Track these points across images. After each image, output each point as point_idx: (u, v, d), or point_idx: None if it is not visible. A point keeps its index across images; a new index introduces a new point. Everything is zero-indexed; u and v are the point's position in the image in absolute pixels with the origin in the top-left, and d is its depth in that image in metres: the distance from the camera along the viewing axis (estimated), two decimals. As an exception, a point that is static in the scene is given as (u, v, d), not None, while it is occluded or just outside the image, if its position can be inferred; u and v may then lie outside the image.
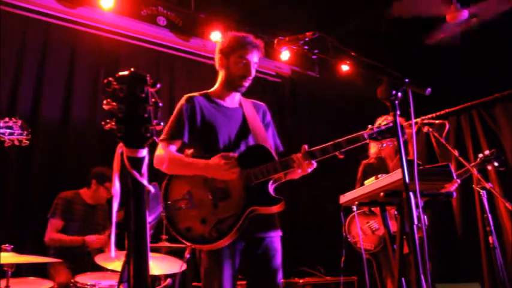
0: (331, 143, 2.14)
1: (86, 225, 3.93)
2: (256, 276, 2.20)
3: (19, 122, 2.52)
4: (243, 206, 2.11)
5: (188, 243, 2.16)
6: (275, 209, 2.13)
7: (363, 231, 3.60)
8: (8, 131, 2.46)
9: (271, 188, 2.17)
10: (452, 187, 3.34)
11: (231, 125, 2.34)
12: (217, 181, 2.17)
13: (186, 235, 2.13)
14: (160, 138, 2.27)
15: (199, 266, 2.20)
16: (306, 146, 2.16)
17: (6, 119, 2.50)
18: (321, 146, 2.15)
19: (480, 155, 3.74)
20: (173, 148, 2.27)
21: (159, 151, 2.25)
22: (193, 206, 2.15)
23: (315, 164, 2.17)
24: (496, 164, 3.69)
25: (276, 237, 2.25)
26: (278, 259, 2.22)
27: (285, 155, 2.24)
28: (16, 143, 2.49)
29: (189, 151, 2.33)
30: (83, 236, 3.77)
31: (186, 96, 2.36)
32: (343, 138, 2.14)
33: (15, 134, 2.48)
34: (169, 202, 2.17)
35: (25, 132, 2.52)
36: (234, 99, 2.44)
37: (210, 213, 2.12)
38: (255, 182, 2.14)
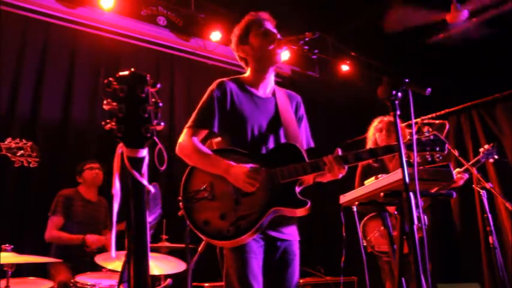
0: (367, 149, 2.04)
1: (86, 222, 3.95)
2: (272, 280, 2.07)
3: (29, 144, 2.57)
4: (265, 205, 2.00)
5: (204, 238, 2.05)
6: (299, 212, 2.00)
7: (381, 234, 3.51)
8: (19, 151, 2.50)
9: (297, 189, 2.04)
10: (461, 181, 3.38)
11: (262, 116, 2.21)
12: None
13: (204, 229, 2.02)
14: (188, 124, 2.18)
15: (220, 263, 2.09)
16: (339, 150, 2.03)
17: (18, 140, 2.55)
18: (355, 151, 2.02)
19: (481, 149, 3.76)
20: (200, 137, 2.16)
21: (184, 139, 2.15)
22: (214, 198, 2.05)
23: (346, 169, 2.03)
24: (496, 156, 3.72)
25: (295, 242, 2.15)
26: (296, 264, 2.12)
27: (309, 153, 2.12)
28: (25, 163, 2.55)
29: (216, 140, 2.23)
30: (84, 235, 3.78)
31: (217, 81, 2.24)
32: (380, 146, 2.07)
33: (25, 155, 2.52)
34: (190, 194, 2.06)
35: (34, 153, 2.55)
36: (267, 88, 2.31)
37: (230, 208, 2.02)
38: (281, 182, 2.02)
